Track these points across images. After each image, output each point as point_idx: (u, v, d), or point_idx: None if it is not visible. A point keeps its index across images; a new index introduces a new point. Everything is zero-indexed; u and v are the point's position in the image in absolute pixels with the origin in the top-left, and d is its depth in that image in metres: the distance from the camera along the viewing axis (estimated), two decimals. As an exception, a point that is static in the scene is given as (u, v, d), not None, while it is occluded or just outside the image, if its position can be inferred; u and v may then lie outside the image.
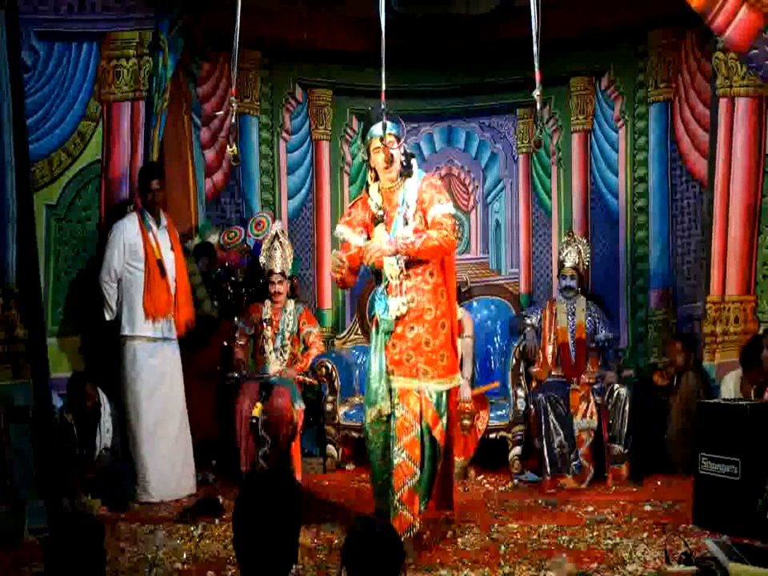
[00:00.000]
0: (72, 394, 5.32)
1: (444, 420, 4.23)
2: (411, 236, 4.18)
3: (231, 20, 4.09)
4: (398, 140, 4.29)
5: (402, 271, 4.23)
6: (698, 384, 5.86)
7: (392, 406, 4.20)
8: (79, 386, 5.31)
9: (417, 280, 4.24)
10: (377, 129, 4.23)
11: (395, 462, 4.14)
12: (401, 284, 4.23)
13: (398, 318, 4.21)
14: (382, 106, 4.04)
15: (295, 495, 2.31)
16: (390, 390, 4.21)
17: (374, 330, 4.36)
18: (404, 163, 4.32)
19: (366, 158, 4.39)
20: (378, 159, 4.27)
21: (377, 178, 4.38)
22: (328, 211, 7.62)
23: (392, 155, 4.24)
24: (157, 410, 5.58)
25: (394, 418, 4.18)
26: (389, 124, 4.16)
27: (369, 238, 4.35)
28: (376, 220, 4.34)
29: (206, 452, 6.07)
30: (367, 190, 4.45)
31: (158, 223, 5.73)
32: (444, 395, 4.24)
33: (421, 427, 4.16)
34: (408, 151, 4.42)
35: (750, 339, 5.64)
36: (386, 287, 4.28)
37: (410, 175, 4.32)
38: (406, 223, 4.27)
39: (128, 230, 5.62)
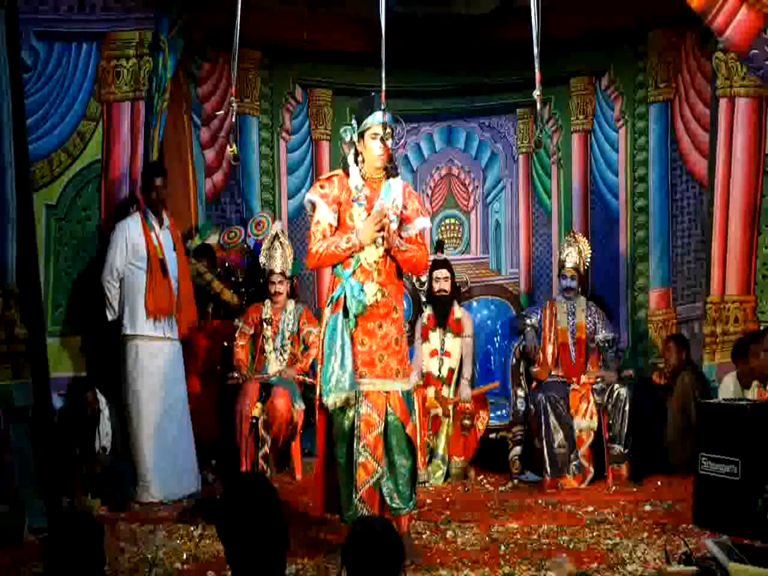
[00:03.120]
0: (72, 400, 5.32)
1: (413, 418, 4.27)
2: (404, 243, 4.21)
3: (231, 20, 4.09)
4: (392, 136, 4.24)
5: (376, 261, 4.15)
6: (694, 384, 5.87)
7: (357, 401, 4.09)
8: (80, 393, 5.31)
9: (387, 278, 4.20)
10: (378, 115, 4.13)
11: (358, 460, 4.08)
12: (375, 271, 4.16)
13: (370, 306, 4.11)
14: (383, 106, 4.03)
15: (274, 499, 2.33)
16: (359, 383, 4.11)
17: (338, 311, 4.15)
18: (390, 161, 4.25)
19: (356, 140, 4.23)
20: (374, 145, 4.16)
21: (359, 163, 4.25)
22: (328, 211, 7.60)
23: (392, 155, 4.24)
24: (158, 409, 5.57)
25: (358, 415, 4.09)
26: (388, 116, 4.13)
27: (339, 218, 4.20)
28: (356, 201, 4.20)
29: (206, 452, 6.06)
30: (345, 170, 4.29)
31: (161, 223, 5.73)
32: (409, 392, 4.28)
33: (389, 424, 4.10)
34: (392, 155, 4.35)
35: (743, 337, 5.65)
36: (358, 271, 4.15)
37: (395, 175, 4.27)
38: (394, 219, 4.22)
39: (131, 229, 5.62)
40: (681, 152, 6.76)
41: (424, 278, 6.62)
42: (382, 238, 4.09)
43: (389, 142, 4.20)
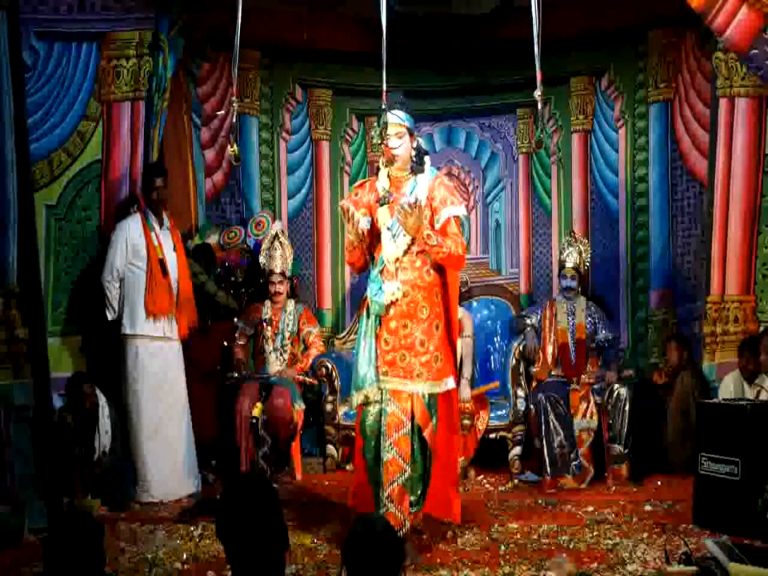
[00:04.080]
0: (70, 393, 5.32)
1: (434, 422, 4.19)
2: (435, 237, 4.12)
3: (231, 20, 4.10)
4: (411, 134, 4.28)
5: (398, 259, 4.18)
6: (694, 384, 5.87)
7: (382, 401, 4.15)
8: (78, 385, 5.31)
9: (413, 275, 4.18)
10: (391, 115, 4.20)
11: (385, 458, 4.11)
12: (396, 270, 4.18)
13: (391, 304, 4.15)
14: (383, 106, 4.04)
15: (273, 498, 2.33)
16: (379, 381, 4.16)
17: (363, 313, 4.29)
18: (415, 159, 4.28)
19: (380, 140, 4.32)
20: (388, 143, 4.23)
21: (388, 164, 4.33)
22: (328, 211, 7.62)
23: (393, 154, 4.24)
24: (158, 409, 5.58)
25: (385, 414, 4.14)
26: (400, 114, 4.19)
27: (373, 222, 4.28)
28: (381, 201, 4.28)
29: (206, 452, 6.06)
30: (376, 173, 4.43)
31: (161, 224, 5.73)
32: (435, 398, 4.20)
33: (412, 426, 4.14)
34: (422, 148, 4.38)
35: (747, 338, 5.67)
36: (381, 271, 4.22)
37: (421, 171, 4.29)
38: None
39: (131, 229, 5.62)
40: (681, 152, 6.76)
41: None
42: (401, 221, 4.10)
43: (404, 140, 4.21)
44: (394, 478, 4.09)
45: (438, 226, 4.20)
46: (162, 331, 5.62)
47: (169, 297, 5.65)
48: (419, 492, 4.18)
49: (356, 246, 4.30)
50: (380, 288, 4.17)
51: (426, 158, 4.35)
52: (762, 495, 4.20)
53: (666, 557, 3.86)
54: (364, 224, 4.26)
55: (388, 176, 4.32)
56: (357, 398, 4.22)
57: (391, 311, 4.17)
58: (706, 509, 4.53)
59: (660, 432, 5.92)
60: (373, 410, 4.17)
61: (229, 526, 2.30)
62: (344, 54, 7.15)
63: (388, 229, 4.22)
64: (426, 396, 4.17)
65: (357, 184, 4.58)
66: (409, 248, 4.18)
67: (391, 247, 4.19)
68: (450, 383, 4.28)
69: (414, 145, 4.29)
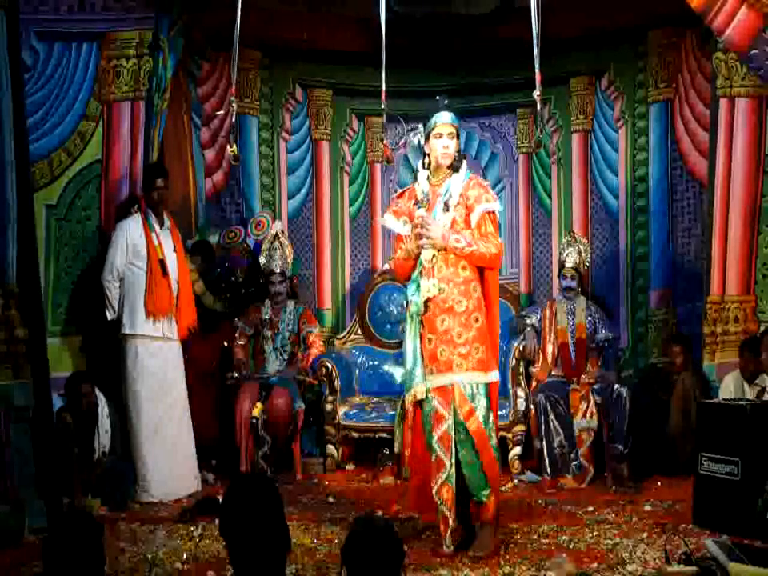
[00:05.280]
0: (69, 393, 5.32)
1: (480, 413, 4.18)
2: (464, 239, 4.19)
3: (231, 20, 4.10)
4: (458, 136, 4.34)
5: (434, 256, 4.24)
6: (695, 384, 5.86)
7: (428, 397, 4.22)
8: (76, 385, 5.31)
9: (449, 272, 4.24)
10: (444, 116, 4.27)
11: (432, 456, 4.20)
12: (432, 268, 4.24)
13: (428, 301, 4.21)
14: (383, 106, 4.05)
15: (277, 498, 2.33)
16: (426, 379, 4.23)
17: (407, 314, 4.35)
18: (456, 159, 4.32)
19: (423, 141, 4.37)
20: (437, 145, 4.29)
21: (429, 165, 4.39)
22: (328, 211, 7.62)
23: (390, 155, 4.27)
24: (158, 409, 5.57)
25: (432, 411, 4.21)
26: (450, 116, 4.27)
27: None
28: (418, 204, 4.34)
29: (206, 452, 6.06)
30: (415, 177, 4.51)
31: (161, 224, 5.73)
32: (479, 388, 4.20)
33: (455, 421, 4.16)
34: (461, 150, 4.43)
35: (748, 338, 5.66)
36: (421, 271, 4.28)
37: (457, 170, 4.33)
38: (447, 209, 4.28)
39: (131, 229, 5.62)
40: (681, 152, 6.75)
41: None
42: (421, 241, 4.21)
43: (455, 141, 4.29)
44: (439, 476, 4.17)
45: (473, 223, 4.26)
46: (162, 331, 5.62)
47: (169, 297, 5.65)
48: (483, 479, 4.18)
49: (413, 256, 4.34)
50: (417, 287, 4.25)
51: (464, 161, 4.40)
52: (762, 495, 4.20)
53: (666, 557, 3.86)
54: (406, 230, 4.36)
55: (427, 178, 4.39)
56: (407, 398, 4.32)
57: (430, 310, 4.23)
58: (706, 509, 4.53)
59: (660, 432, 5.91)
60: (426, 408, 4.26)
61: (232, 524, 2.30)
62: (344, 54, 7.15)
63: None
64: (468, 386, 4.18)
65: (396, 194, 4.69)
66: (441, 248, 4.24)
67: (427, 248, 4.26)
68: (492, 376, 4.28)
69: (458, 147, 4.36)
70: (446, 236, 4.20)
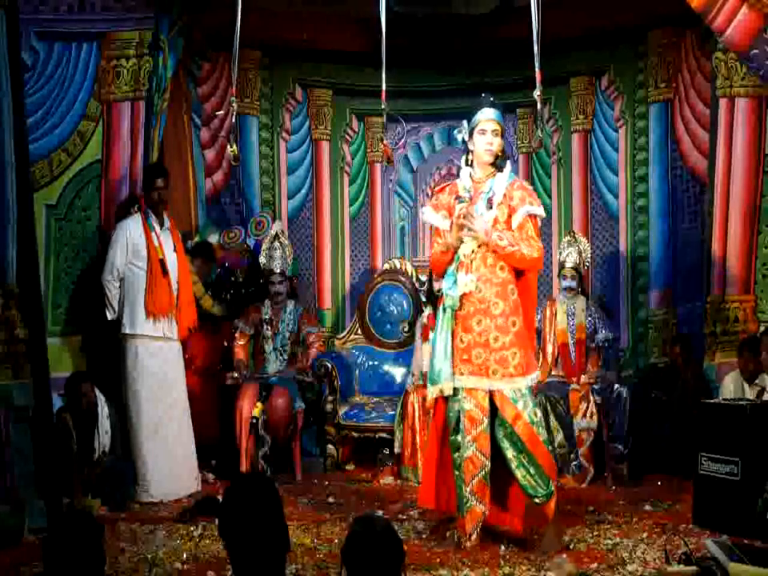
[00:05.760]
0: (69, 393, 5.32)
1: (528, 412, 4.16)
2: (507, 238, 4.18)
3: (231, 20, 4.11)
4: (502, 134, 4.33)
5: (473, 251, 4.23)
6: (695, 384, 5.86)
7: (459, 398, 4.21)
8: (76, 385, 5.31)
9: (486, 271, 4.23)
10: (488, 112, 4.26)
11: (465, 454, 4.19)
12: (470, 263, 4.23)
13: (464, 296, 4.20)
14: (383, 106, 4.04)
15: (276, 498, 2.34)
16: (454, 377, 4.22)
17: (440, 308, 4.34)
18: (500, 158, 4.32)
19: (467, 138, 4.37)
20: (481, 141, 4.28)
21: (471, 162, 4.39)
22: (328, 211, 7.62)
23: (390, 155, 4.27)
24: (158, 409, 5.57)
25: (463, 411, 4.21)
26: (495, 112, 4.25)
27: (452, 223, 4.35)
28: (460, 199, 4.34)
29: (206, 452, 6.06)
30: (458, 173, 4.51)
31: (162, 224, 5.73)
32: (521, 391, 4.18)
33: (501, 424, 4.16)
34: (505, 149, 4.42)
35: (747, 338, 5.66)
36: (458, 265, 4.27)
37: (501, 169, 4.32)
38: (490, 207, 4.28)
39: (131, 229, 5.62)
40: (681, 152, 6.76)
41: (424, 278, 6.63)
42: (463, 233, 4.19)
43: (499, 139, 4.27)
44: (475, 473, 4.18)
45: (515, 225, 4.25)
46: (162, 331, 5.62)
47: (169, 297, 5.64)
48: (542, 478, 4.17)
49: (451, 249, 4.32)
50: (454, 281, 4.24)
51: (508, 162, 4.40)
52: (762, 495, 4.19)
53: (666, 557, 3.86)
54: (445, 225, 4.36)
55: (470, 176, 4.38)
56: (432, 392, 4.31)
57: (465, 308, 4.22)
58: (706, 509, 4.52)
59: (660, 432, 5.91)
60: (454, 406, 4.25)
61: (232, 525, 2.30)
62: (344, 54, 7.16)
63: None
64: (509, 391, 4.17)
65: (437, 188, 4.67)
66: (482, 244, 4.23)
67: (468, 242, 4.25)
68: (530, 379, 4.25)
69: (503, 146, 4.34)
70: (488, 232, 4.17)
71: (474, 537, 4.22)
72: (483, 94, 4.40)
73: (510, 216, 4.27)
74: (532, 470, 4.18)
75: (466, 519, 4.22)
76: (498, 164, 4.32)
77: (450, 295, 4.23)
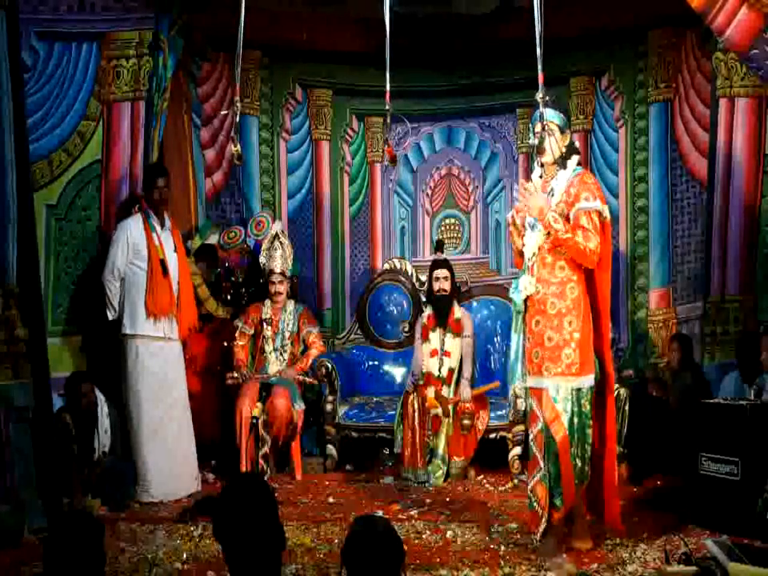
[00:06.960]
0: (69, 393, 5.32)
1: (565, 418, 4.09)
2: (563, 223, 4.10)
3: (231, 20, 4.10)
4: (563, 131, 4.32)
5: (534, 254, 4.22)
6: (694, 383, 5.86)
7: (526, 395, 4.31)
8: (76, 385, 5.31)
9: (544, 272, 4.20)
10: (548, 113, 4.23)
11: (530, 454, 4.25)
12: (533, 266, 4.22)
13: (527, 300, 4.22)
14: (387, 106, 4.04)
15: (270, 498, 2.34)
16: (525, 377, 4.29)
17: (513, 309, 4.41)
18: (565, 155, 4.30)
19: (533, 136, 4.35)
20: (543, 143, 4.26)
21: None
22: (328, 211, 7.62)
23: (394, 156, 4.26)
24: (158, 409, 5.56)
25: (527, 408, 4.29)
26: (552, 112, 4.24)
27: (522, 222, 4.34)
28: None
29: (206, 452, 6.06)
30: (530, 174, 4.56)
31: (162, 224, 5.73)
32: (567, 392, 4.10)
33: (544, 423, 4.17)
34: (574, 146, 4.40)
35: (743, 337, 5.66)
36: (524, 269, 4.29)
37: (564, 167, 4.29)
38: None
39: (132, 229, 5.62)
40: (681, 152, 6.77)
41: (424, 278, 6.64)
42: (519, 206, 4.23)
43: (554, 137, 4.25)
44: (534, 474, 4.20)
45: (572, 220, 4.18)
46: (163, 331, 5.62)
47: (169, 297, 5.64)
48: (557, 489, 4.14)
49: (518, 246, 4.36)
50: (516, 285, 4.28)
51: (574, 156, 4.34)
52: (762, 495, 4.21)
53: (666, 557, 3.86)
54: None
55: (540, 176, 4.37)
56: (513, 390, 4.48)
57: (530, 310, 4.24)
58: (706, 509, 4.53)
59: (660, 432, 5.91)
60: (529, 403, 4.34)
61: (225, 526, 2.30)
62: (344, 54, 7.16)
63: (529, 225, 4.26)
64: (554, 390, 4.12)
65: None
66: (543, 243, 4.20)
67: (531, 241, 4.25)
68: (583, 381, 4.12)
69: (566, 142, 4.32)
70: (544, 210, 4.10)
71: (538, 537, 4.17)
72: (548, 96, 4.16)
73: (569, 210, 4.19)
74: (553, 474, 4.14)
75: (529, 518, 4.29)
76: (559, 161, 4.29)
77: (514, 299, 4.30)
